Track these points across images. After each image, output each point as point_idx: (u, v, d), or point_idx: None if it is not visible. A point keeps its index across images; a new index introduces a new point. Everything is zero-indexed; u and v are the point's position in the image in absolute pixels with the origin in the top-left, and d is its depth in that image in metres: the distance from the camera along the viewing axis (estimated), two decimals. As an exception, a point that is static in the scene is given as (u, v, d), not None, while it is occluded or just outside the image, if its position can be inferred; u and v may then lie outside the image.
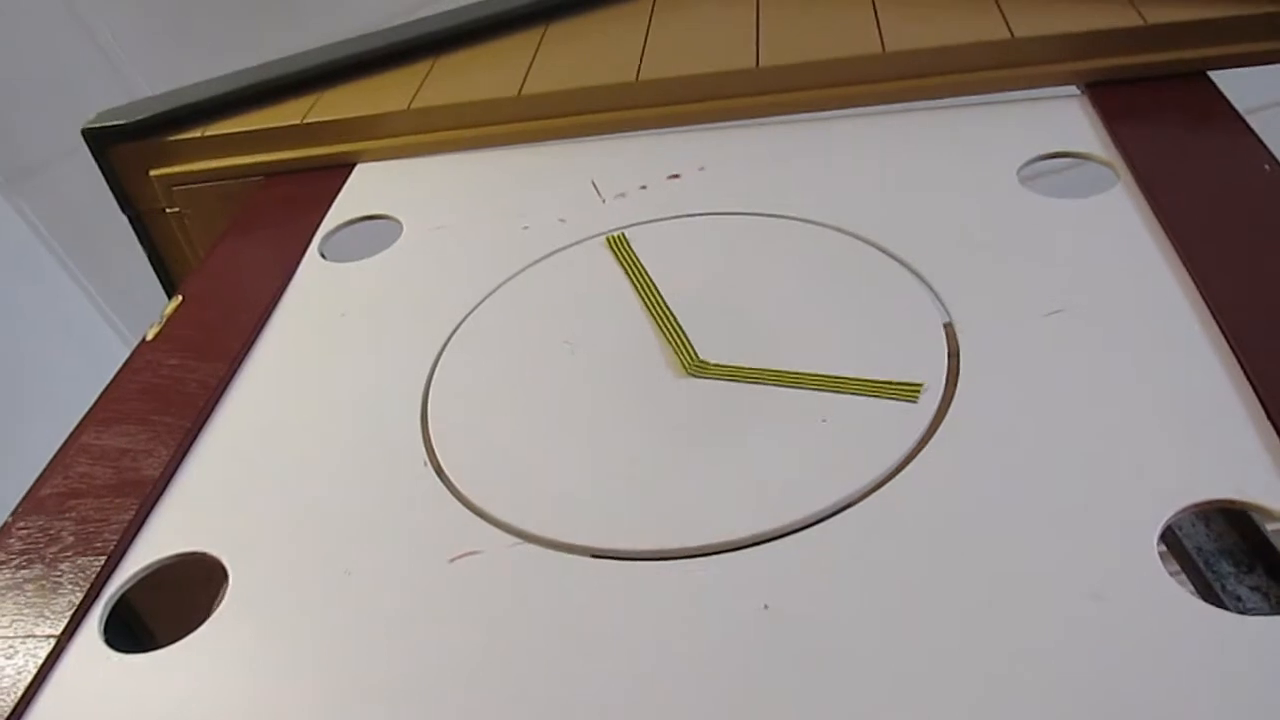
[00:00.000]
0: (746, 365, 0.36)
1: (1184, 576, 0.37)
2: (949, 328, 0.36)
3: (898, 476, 0.31)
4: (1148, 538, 0.27)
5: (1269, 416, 0.30)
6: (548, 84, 0.52)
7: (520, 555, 0.31)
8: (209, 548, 0.33)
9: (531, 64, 0.54)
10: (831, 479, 0.31)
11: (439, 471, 0.35)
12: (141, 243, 0.59)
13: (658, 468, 0.33)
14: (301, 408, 0.39)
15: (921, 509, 0.30)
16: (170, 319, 0.45)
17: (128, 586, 0.33)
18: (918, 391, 0.33)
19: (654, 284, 0.41)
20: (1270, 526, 0.36)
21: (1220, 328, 0.33)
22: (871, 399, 0.34)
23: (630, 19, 0.57)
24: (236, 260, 0.49)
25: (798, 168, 0.47)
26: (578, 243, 0.45)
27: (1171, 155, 0.42)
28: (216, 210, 0.55)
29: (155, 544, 0.34)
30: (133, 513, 0.34)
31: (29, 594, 0.32)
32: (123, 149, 0.55)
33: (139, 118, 0.54)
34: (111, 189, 0.56)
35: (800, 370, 0.36)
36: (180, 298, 0.46)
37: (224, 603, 0.31)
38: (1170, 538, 0.37)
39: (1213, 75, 0.47)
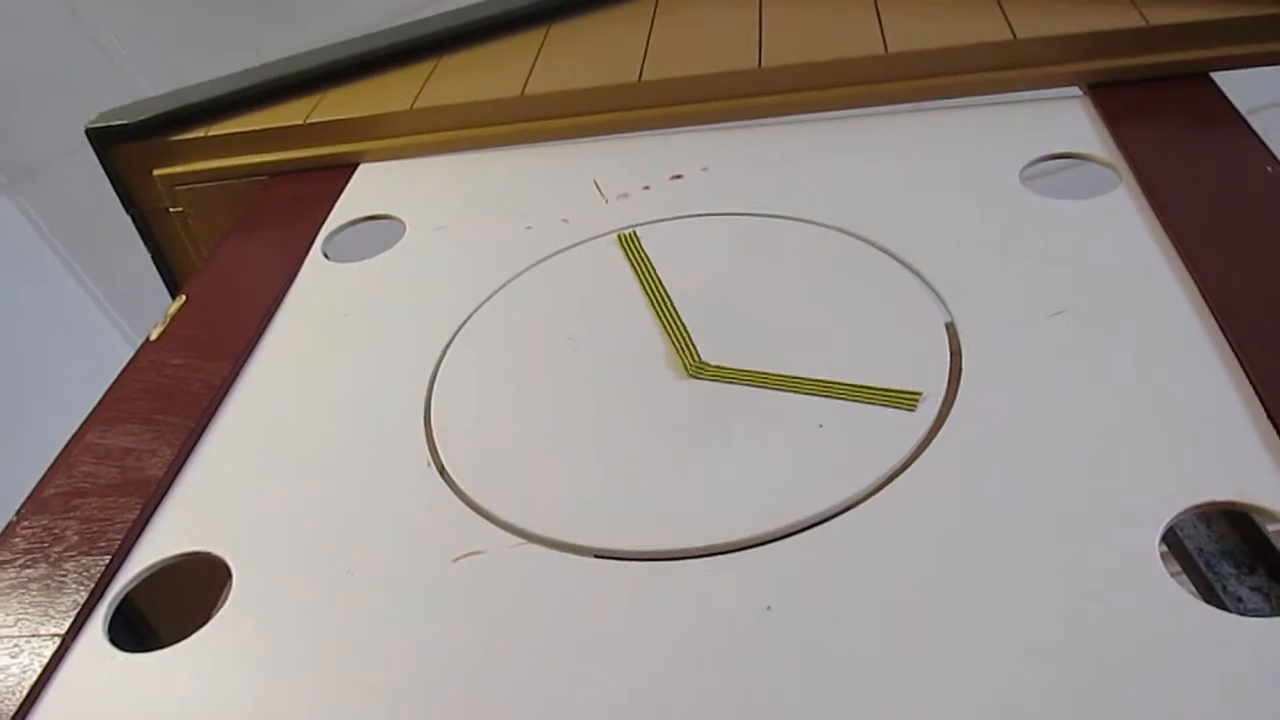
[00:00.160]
0: (748, 367, 0.36)
1: (1185, 577, 0.37)
2: (950, 328, 0.36)
3: (900, 477, 0.31)
4: (1149, 539, 0.27)
5: (1270, 418, 0.30)
6: (550, 84, 0.52)
7: (523, 555, 0.31)
8: (213, 547, 0.33)
9: (534, 64, 0.55)
10: (834, 480, 0.31)
11: (442, 471, 0.35)
12: (145, 242, 0.59)
13: (659, 468, 0.33)
14: (305, 407, 0.39)
15: (924, 510, 0.30)
16: (174, 319, 0.45)
17: (132, 586, 0.33)
18: (915, 400, 0.33)
19: (661, 283, 0.41)
20: (1271, 528, 0.36)
21: (1222, 329, 0.33)
22: (870, 406, 0.34)
23: (633, 19, 0.57)
24: (240, 260, 0.49)
25: (800, 168, 0.47)
26: (581, 243, 0.45)
27: (1174, 156, 0.42)
28: (220, 210, 0.55)
29: (159, 543, 0.34)
30: (137, 512, 0.34)
31: (34, 593, 0.32)
32: (126, 149, 0.55)
33: (142, 117, 0.54)
34: (115, 189, 0.57)
35: (802, 372, 0.36)
36: (184, 297, 0.46)
37: (228, 602, 0.31)
38: (1171, 538, 0.37)
39: (1215, 76, 0.47)
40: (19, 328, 0.98)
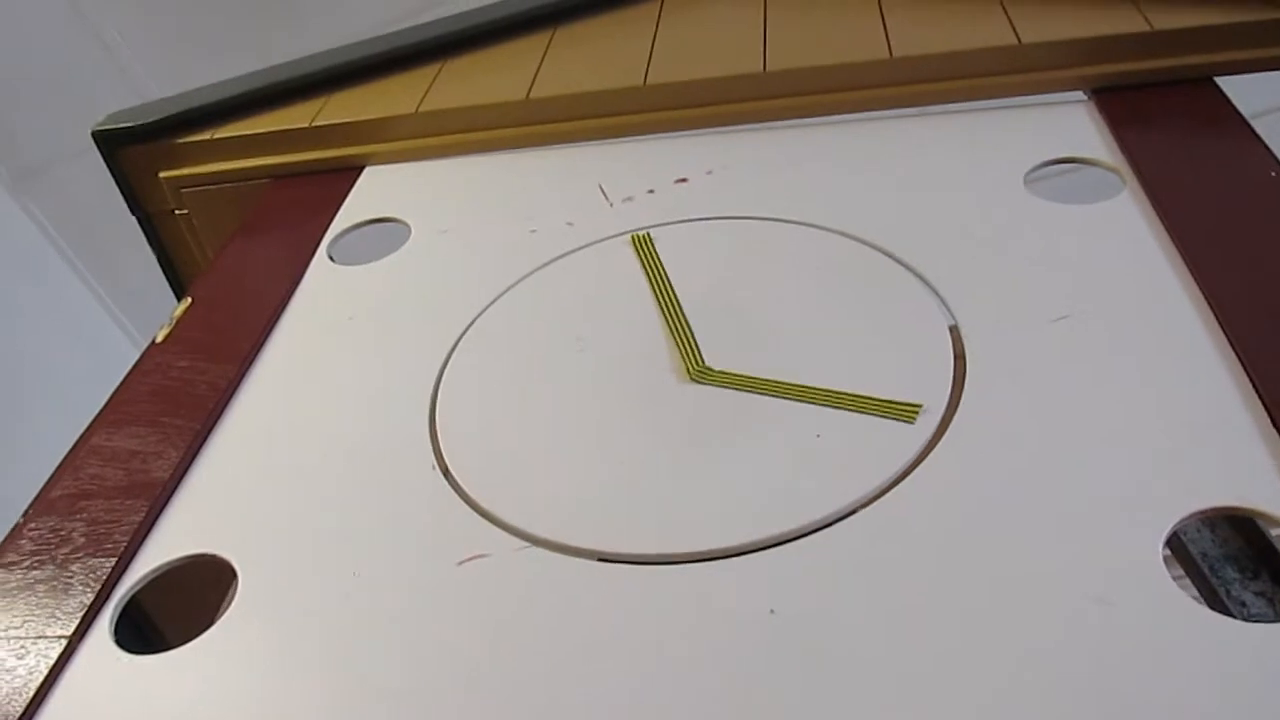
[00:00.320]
0: (752, 372, 0.36)
1: (1188, 582, 0.37)
2: (954, 331, 0.36)
3: (904, 481, 0.31)
4: (1153, 543, 0.27)
5: (1274, 423, 0.30)
6: (556, 88, 0.52)
7: (527, 559, 0.31)
8: (218, 549, 0.33)
9: (539, 68, 0.55)
10: (839, 483, 0.31)
11: (446, 474, 0.35)
12: (150, 244, 0.59)
13: (661, 472, 0.33)
14: (310, 410, 0.39)
15: (928, 513, 0.30)
16: (180, 321, 0.45)
17: (138, 588, 0.33)
18: (915, 413, 0.33)
19: (671, 286, 0.41)
20: (1275, 532, 0.36)
21: (1226, 334, 0.33)
22: (871, 417, 0.34)
23: (638, 23, 0.57)
24: (245, 263, 0.50)
25: (805, 172, 0.47)
26: (586, 246, 0.45)
27: (1178, 161, 0.42)
28: (225, 212, 0.55)
29: (165, 545, 0.34)
30: (143, 514, 0.35)
31: (40, 594, 0.32)
32: (132, 151, 0.55)
33: (148, 120, 0.55)
34: (121, 191, 0.57)
35: (806, 376, 0.36)
36: (189, 300, 0.46)
37: (233, 604, 0.31)
38: (1175, 543, 0.37)
39: (1219, 81, 0.47)
40: (23, 328, 0.98)
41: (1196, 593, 0.36)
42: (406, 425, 0.37)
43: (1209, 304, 0.35)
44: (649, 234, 0.45)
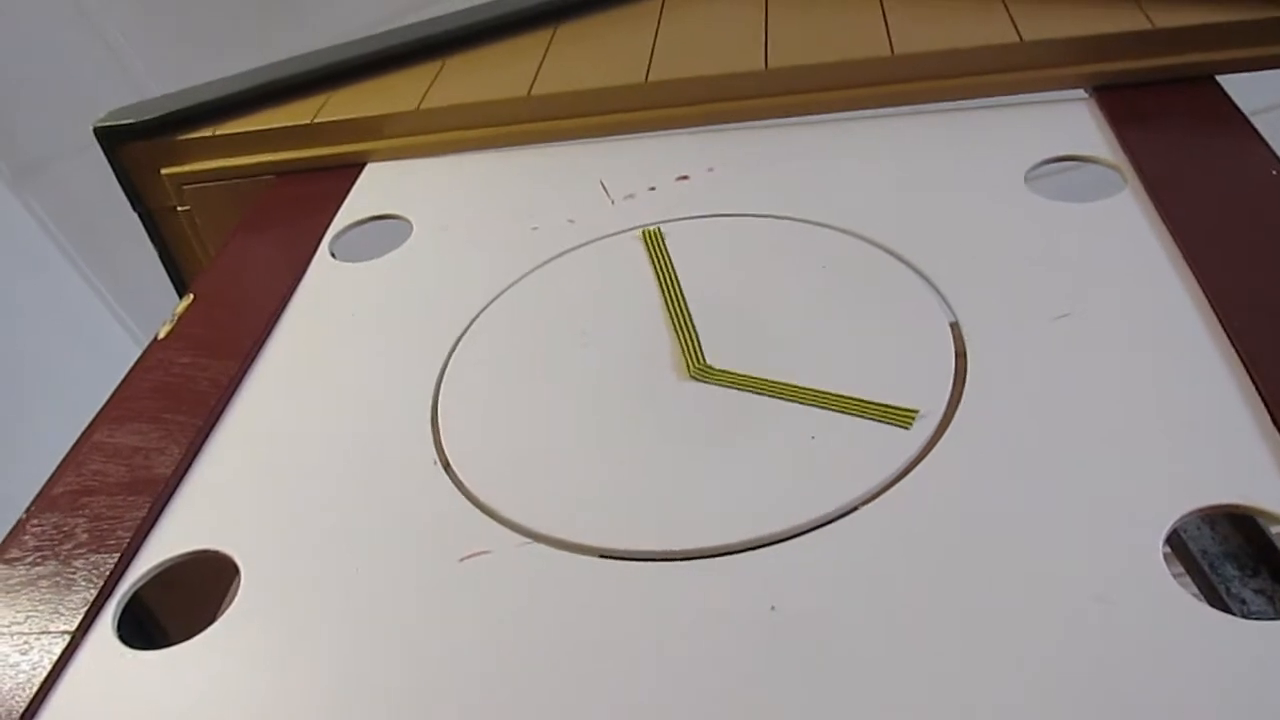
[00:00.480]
0: (753, 370, 0.37)
1: (1188, 579, 0.37)
2: (955, 328, 0.37)
3: (905, 478, 0.31)
4: (1153, 541, 0.28)
5: (1274, 421, 0.30)
6: (557, 85, 0.52)
7: (529, 555, 0.31)
8: (221, 545, 0.33)
9: (541, 65, 0.55)
10: (840, 481, 0.31)
11: (449, 470, 0.35)
12: (152, 241, 0.59)
13: (662, 470, 0.34)
14: (312, 406, 0.39)
15: (928, 510, 0.30)
16: (181, 318, 0.45)
17: (141, 583, 0.33)
18: (912, 419, 0.33)
19: (679, 282, 0.41)
20: (1275, 530, 0.36)
21: (1226, 332, 0.34)
22: (867, 420, 0.34)
23: (639, 20, 0.57)
24: (247, 259, 0.50)
25: (806, 170, 0.47)
26: (587, 243, 0.45)
27: (1179, 159, 0.42)
28: (227, 209, 0.55)
29: (168, 542, 0.34)
30: (145, 510, 0.35)
31: (43, 590, 0.32)
32: (133, 147, 0.55)
33: (150, 116, 0.55)
34: (122, 187, 0.57)
35: (807, 374, 0.36)
36: (191, 296, 0.46)
37: (236, 600, 0.32)
38: (1175, 540, 0.37)
39: (1220, 79, 0.47)
40: (24, 325, 0.98)
41: (1196, 590, 0.36)
42: (408, 421, 0.37)
43: (1209, 302, 0.35)
44: (660, 229, 0.45)
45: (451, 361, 0.40)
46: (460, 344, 0.41)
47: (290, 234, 0.50)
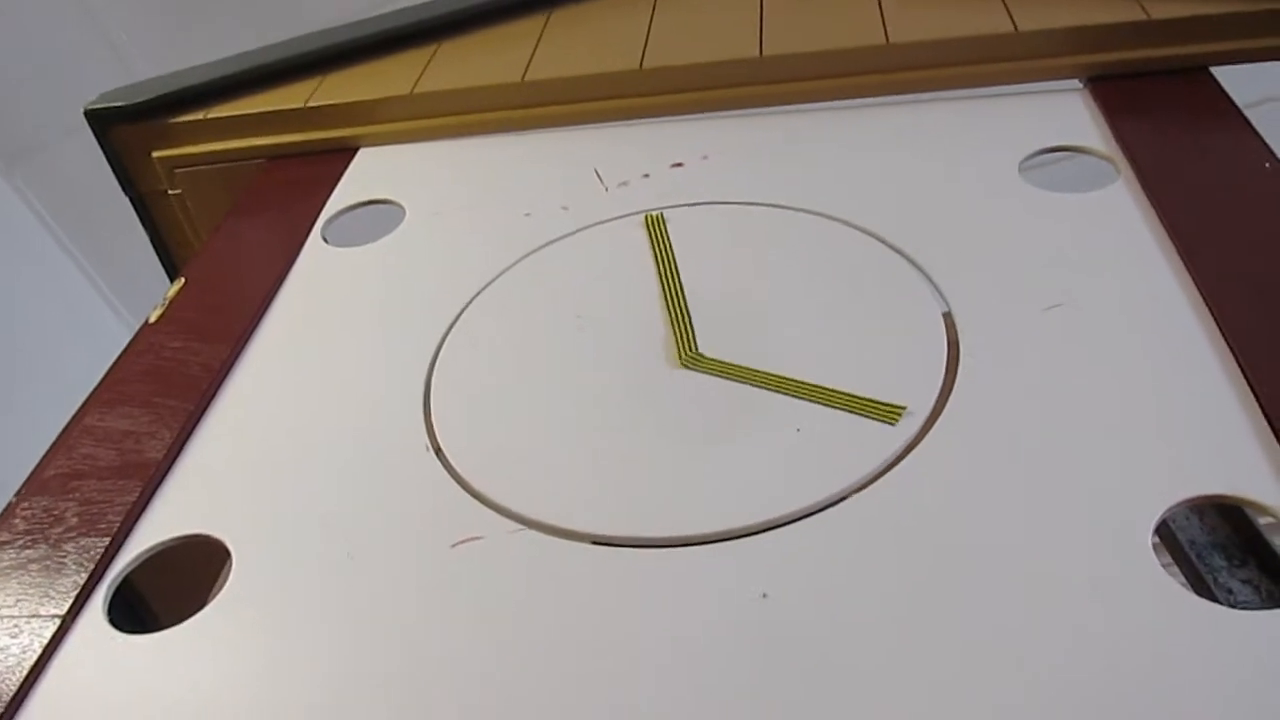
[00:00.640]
0: (744, 359, 0.37)
1: (1176, 569, 0.38)
2: (948, 317, 0.37)
3: (897, 466, 0.31)
4: (1143, 532, 0.28)
5: (1264, 412, 0.30)
6: (551, 70, 0.52)
7: (521, 542, 0.31)
8: (212, 530, 0.33)
9: (535, 50, 0.54)
10: (832, 469, 0.32)
11: (441, 456, 0.35)
12: (143, 224, 0.59)
13: (652, 458, 0.34)
14: (304, 391, 0.39)
15: (920, 498, 0.30)
16: (173, 302, 0.45)
17: (132, 567, 0.33)
18: (898, 415, 0.33)
19: (677, 269, 0.41)
20: (1263, 521, 0.36)
21: (1217, 323, 0.34)
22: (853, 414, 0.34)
23: (634, 6, 0.57)
24: (239, 244, 0.49)
25: (800, 157, 0.47)
26: (580, 230, 0.45)
27: (1172, 151, 0.42)
28: (218, 193, 0.55)
29: (158, 525, 0.34)
30: (136, 494, 0.35)
31: (33, 574, 0.32)
32: (125, 130, 0.55)
33: (142, 99, 0.54)
34: (113, 170, 0.56)
35: (799, 362, 0.36)
36: (183, 280, 0.46)
37: (227, 585, 0.31)
38: (1163, 530, 0.38)
39: (1214, 71, 0.47)
40: (14, 309, 0.98)
41: (1184, 580, 0.37)
42: (401, 407, 0.37)
43: (1201, 294, 0.35)
44: (662, 214, 0.44)
45: (444, 347, 0.40)
46: (452, 330, 0.41)
47: (282, 218, 0.50)
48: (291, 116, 0.54)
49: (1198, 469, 0.29)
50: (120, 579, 0.32)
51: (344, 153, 0.54)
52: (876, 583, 0.28)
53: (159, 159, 0.55)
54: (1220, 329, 0.33)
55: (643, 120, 0.52)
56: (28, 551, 0.33)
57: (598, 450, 0.34)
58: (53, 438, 0.38)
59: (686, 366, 0.37)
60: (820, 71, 0.50)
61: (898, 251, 0.40)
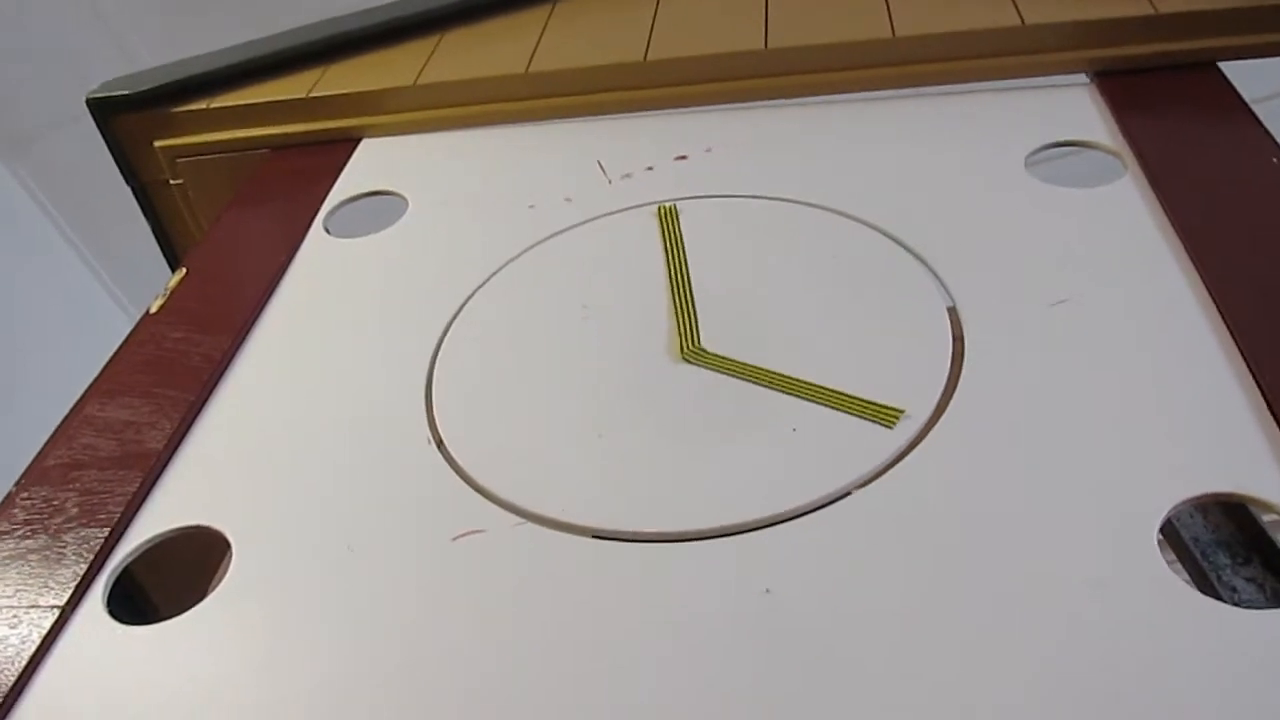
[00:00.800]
0: (746, 356, 0.36)
1: (1180, 566, 0.37)
2: (953, 312, 0.36)
3: (902, 462, 0.31)
4: (1148, 529, 0.27)
5: (1270, 409, 0.30)
6: (555, 62, 0.52)
7: (523, 535, 0.31)
8: (212, 521, 0.33)
9: (539, 42, 0.54)
10: (836, 464, 0.31)
11: (442, 449, 0.35)
12: (145, 214, 0.59)
13: (652, 453, 0.33)
14: (305, 383, 0.39)
15: (924, 494, 0.30)
16: (174, 292, 0.45)
17: (131, 558, 0.33)
18: (896, 418, 0.33)
19: (686, 262, 0.41)
20: (1267, 519, 0.36)
21: (1224, 320, 0.33)
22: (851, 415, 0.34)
23: (639, -2, 0.57)
24: (241, 234, 0.49)
25: (804, 151, 0.47)
26: (584, 223, 0.45)
27: (1179, 146, 0.42)
28: (220, 183, 0.55)
29: (159, 516, 0.34)
30: (136, 485, 0.34)
31: (33, 564, 0.32)
32: (127, 119, 0.55)
33: (144, 88, 0.54)
34: (115, 160, 0.56)
35: (802, 357, 0.36)
36: (184, 271, 0.46)
37: (227, 576, 0.31)
38: (1168, 528, 0.38)
39: (1222, 66, 0.47)
40: (15, 298, 0.98)
41: (1188, 578, 0.37)
42: (402, 399, 0.37)
43: (1208, 290, 0.35)
44: (675, 206, 0.44)
45: (445, 340, 0.40)
46: (454, 322, 0.41)
47: (285, 209, 0.49)
48: (294, 106, 0.54)
49: (1203, 467, 0.29)
50: (120, 570, 0.32)
51: (347, 143, 0.54)
52: (881, 578, 0.28)
53: (161, 148, 0.55)
54: (1227, 325, 0.33)
55: (647, 112, 0.52)
56: (27, 542, 0.33)
57: (599, 444, 0.34)
58: (52, 428, 0.38)
59: (688, 360, 0.37)
60: (825, 64, 0.49)
61: (902, 246, 0.40)
